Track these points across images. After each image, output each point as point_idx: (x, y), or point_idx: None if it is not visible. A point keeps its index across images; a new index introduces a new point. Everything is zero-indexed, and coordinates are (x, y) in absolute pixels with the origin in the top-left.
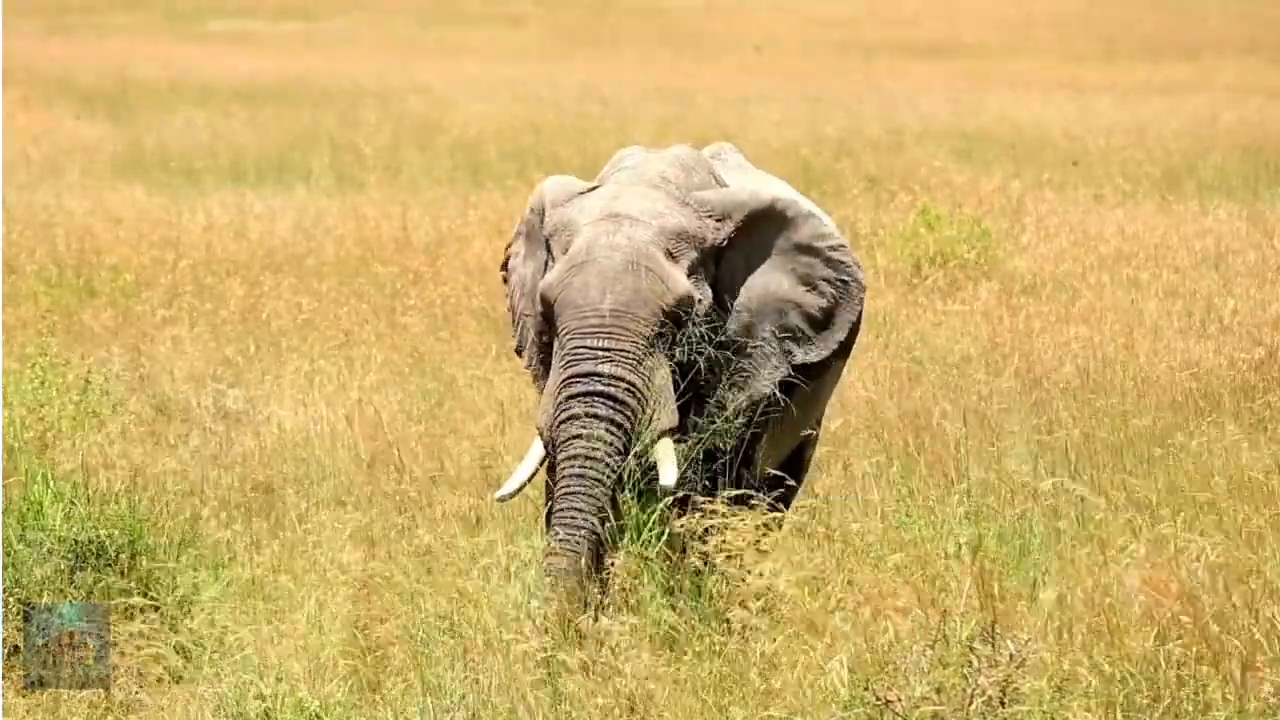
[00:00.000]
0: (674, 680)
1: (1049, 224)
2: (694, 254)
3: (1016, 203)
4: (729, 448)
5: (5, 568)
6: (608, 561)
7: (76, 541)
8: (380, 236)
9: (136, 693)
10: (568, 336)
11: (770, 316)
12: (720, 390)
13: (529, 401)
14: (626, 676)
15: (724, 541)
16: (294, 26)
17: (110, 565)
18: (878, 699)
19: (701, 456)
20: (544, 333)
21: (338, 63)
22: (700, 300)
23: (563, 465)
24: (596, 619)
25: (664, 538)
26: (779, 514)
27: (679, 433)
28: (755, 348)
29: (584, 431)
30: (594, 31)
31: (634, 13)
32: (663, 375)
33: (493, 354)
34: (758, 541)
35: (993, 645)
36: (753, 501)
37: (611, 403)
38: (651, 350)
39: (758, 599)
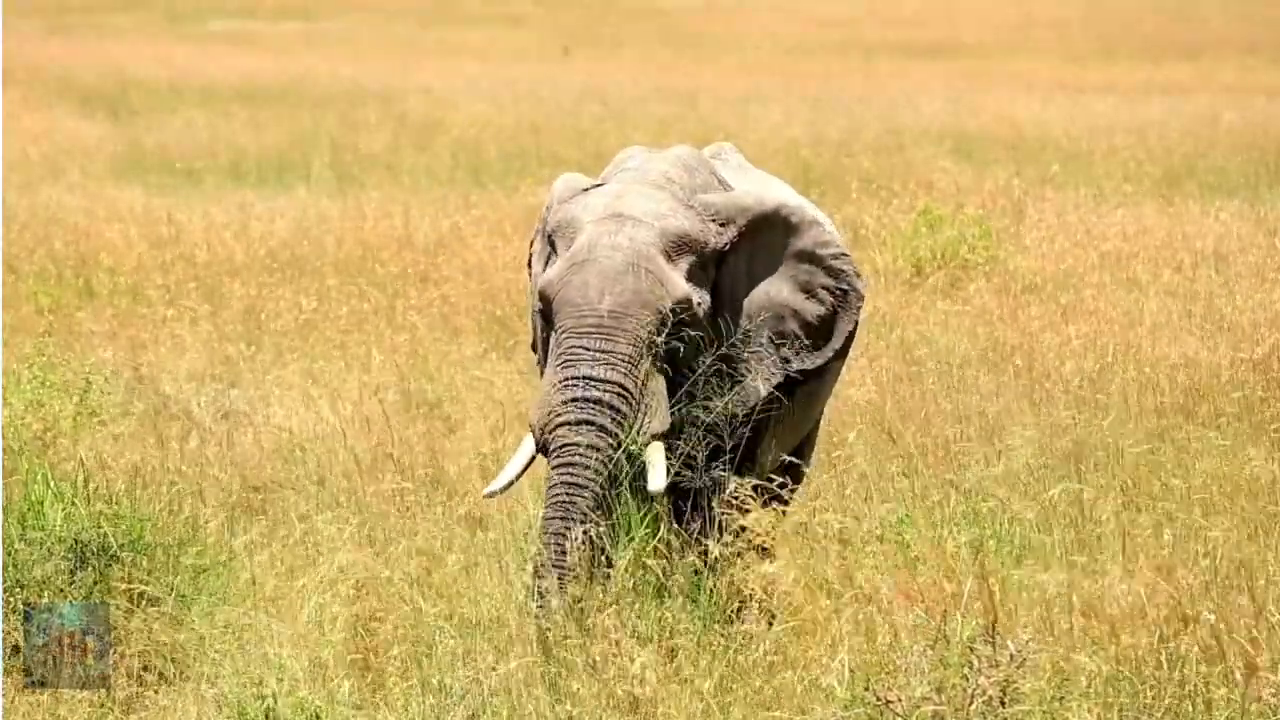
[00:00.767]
0: (674, 680)
1: (1050, 224)
2: (695, 257)
3: (1017, 203)
4: (728, 448)
5: (6, 567)
6: (607, 562)
7: (77, 541)
8: (380, 236)
9: (137, 692)
10: (565, 335)
11: (768, 322)
12: (718, 393)
13: (529, 402)
14: (627, 676)
15: (726, 542)
16: (294, 27)
17: (111, 565)
18: (878, 699)
19: (702, 459)
20: (545, 329)
21: (338, 63)
22: (699, 304)
23: (554, 473)
24: (596, 619)
25: (663, 538)
26: (779, 514)
27: (672, 436)
28: (752, 353)
29: (576, 439)
30: (594, 32)
31: (634, 13)
32: (656, 378)
33: (492, 354)
34: (758, 542)
35: (993, 645)
36: (752, 502)
37: (604, 408)
38: (647, 353)
39: (759, 601)
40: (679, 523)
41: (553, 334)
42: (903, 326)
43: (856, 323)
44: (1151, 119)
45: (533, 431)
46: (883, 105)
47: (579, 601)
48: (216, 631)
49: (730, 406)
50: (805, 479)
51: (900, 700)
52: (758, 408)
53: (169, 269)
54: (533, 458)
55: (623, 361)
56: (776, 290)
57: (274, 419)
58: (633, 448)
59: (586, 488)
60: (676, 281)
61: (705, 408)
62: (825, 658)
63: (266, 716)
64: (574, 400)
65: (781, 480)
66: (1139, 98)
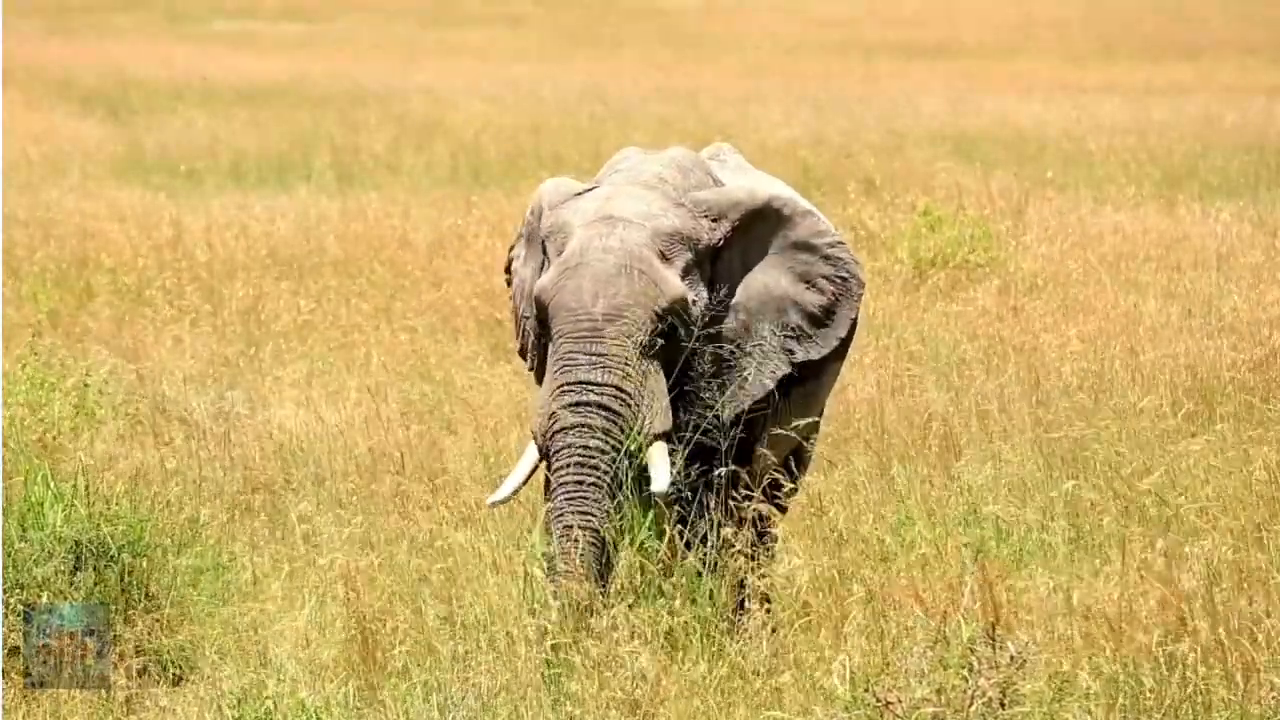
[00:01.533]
0: (675, 680)
1: (1050, 224)
2: (689, 255)
3: (1017, 203)
4: (725, 449)
5: (6, 568)
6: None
7: (77, 542)
8: (380, 237)
9: (137, 693)
10: (561, 340)
11: (769, 315)
12: (720, 390)
13: (528, 403)
14: (628, 676)
15: (726, 541)
16: (295, 27)
17: (110, 566)
18: (878, 700)
19: (697, 458)
20: (540, 335)
21: (338, 64)
22: (695, 301)
23: (559, 476)
24: (599, 619)
25: (664, 538)
26: (778, 514)
27: (672, 435)
28: (755, 346)
29: (578, 442)
30: (594, 32)
31: (634, 13)
32: (656, 378)
33: (492, 355)
34: (758, 542)
35: (993, 647)
36: (750, 502)
37: (604, 412)
38: (644, 353)
39: (761, 601)
40: (679, 523)
41: (549, 339)
42: (903, 327)
43: (858, 313)
44: (1151, 119)
45: (535, 439)
46: (883, 105)
47: (590, 598)
48: (216, 632)
49: (735, 401)
50: (804, 479)
51: (900, 701)
52: (759, 403)
53: (169, 269)
54: (536, 465)
55: (619, 364)
56: (775, 282)
57: (274, 420)
58: (634, 448)
59: (591, 487)
60: (671, 281)
61: (710, 405)
62: (826, 658)
63: (266, 717)
64: (572, 405)
65: (780, 480)
66: (1139, 98)
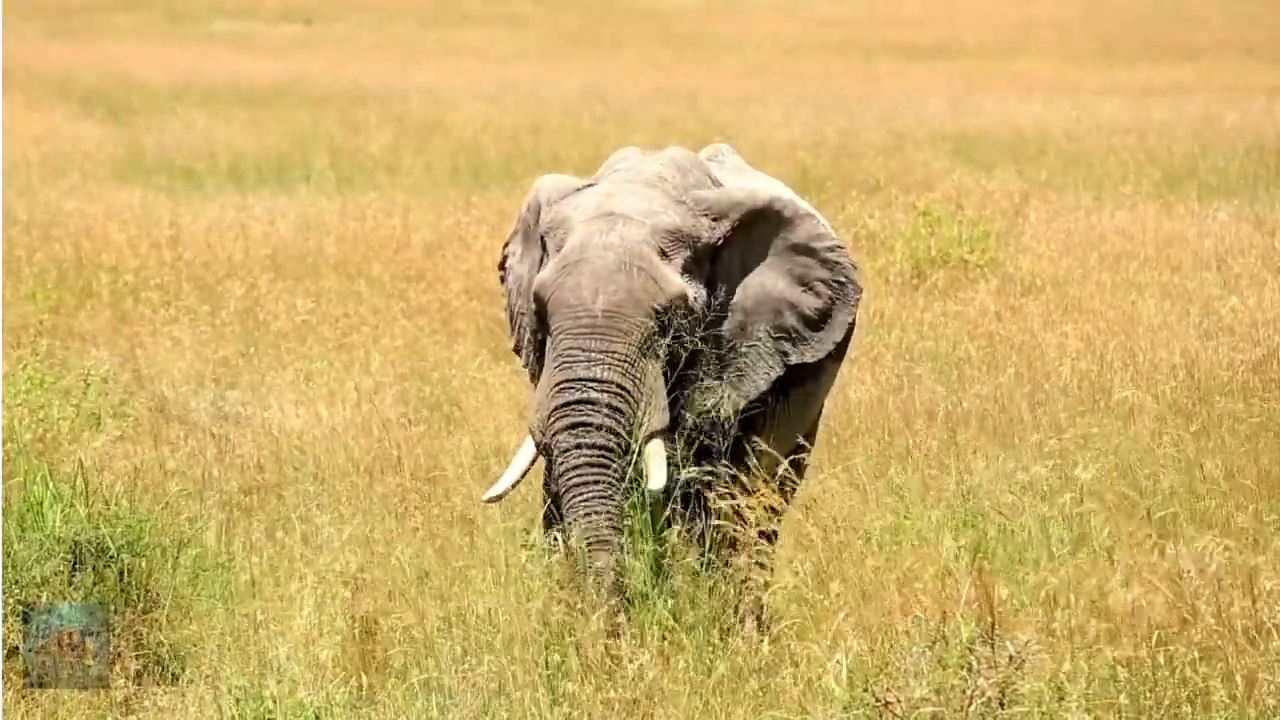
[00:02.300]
0: (674, 680)
1: (1050, 225)
2: (688, 253)
3: (1017, 204)
4: (723, 448)
5: (5, 568)
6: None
7: (76, 541)
8: (380, 237)
9: (136, 693)
10: (560, 337)
11: (766, 316)
12: (714, 388)
13: (527, 402)
14: (627, 676)
15: (726, 541)
16: (294, 28)
17: (109, 566)
18: (877, 700)
19: (693, 456)
20: (538, 331)
21: (338, 64)
22: (694, 299)
23: (566, 480)
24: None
25: (663, 538)
26: (776, 513)
27: (670, 432)
28: (750, 347)
29: (577, 442)
30: (595, 32)
31: (634, 13)
32: (654, 375)
33: (491, 355)
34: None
35: (992, 647)
36: (747, 502)
37: (605, 410)
38: (644, 350)
39: (757, 602)
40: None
41: (548, 336)
42: (902, 327)
43: (854, 317)
44: (1151, 119)
45: (532, 435)
46: (883, 106)
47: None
48: (216, 632)
49: (729, 401)
50: (804, 480)
51: (899, 701)
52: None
53: (169, 270)
54: (533, 461)
55: (619, 361)
56: (772, 284)
57: (273, 420)
58: (633, 445)
59: (601, 488)
60: (671, 278)
61: (705, 402)
62: (825, 658)
63: (266, 717)
64: (571, 404)
65: (780, 480)
66: (1139, 98)
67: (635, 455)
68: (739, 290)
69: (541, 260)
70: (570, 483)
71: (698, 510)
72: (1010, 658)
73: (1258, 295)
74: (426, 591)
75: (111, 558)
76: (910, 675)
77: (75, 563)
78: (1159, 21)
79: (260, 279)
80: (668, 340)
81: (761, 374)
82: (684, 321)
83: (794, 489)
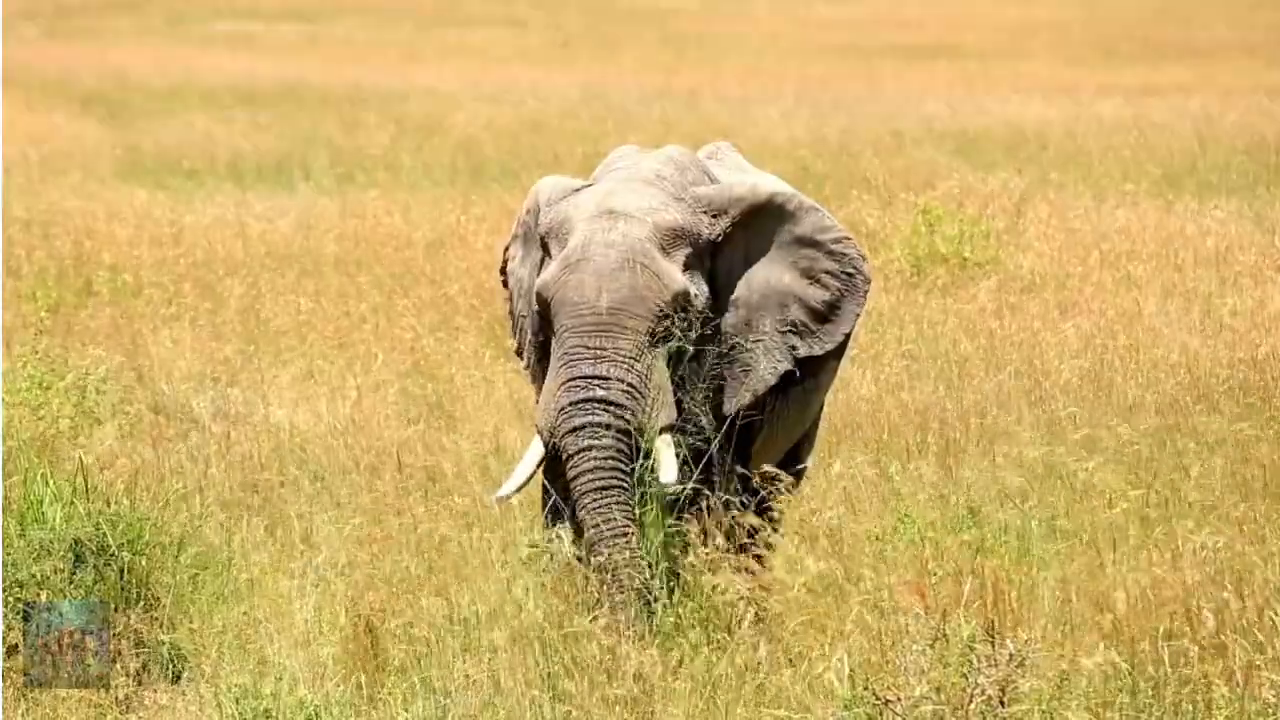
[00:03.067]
0: (675, 678)
1: (1050, 224)
2: (689, 249)
3: (1018, 203)
4: (720, 446)
5: (5, 566)
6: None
7: (76, 540)
8: (380, 236)
9: (136, 692)
10: (565, 335)
11: (771, 310)
12: (721, 385)
13: (528, 402)
14: (628, 675)
15: (725, 540)
16: (294, 29)
17: (110, 565)
18: (877, 698)
19: (693, 454)
20: (540, 331)
21: (338, 64)
22: (696, 296)
23: (579, 484)
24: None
25: (665, 536)
26: (776, 513)
27: (676, 428)
28: (756, 342)
29: (587, 443)
30: (594, 32)
31: (634, 13)
32: (660, 371)
33: (492, 354)
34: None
35: (992, 645)
36: (746, 500)
37: (613, 408)
38: (649, 347)
39: (758, 604)
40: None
41: (552, 336)
42: (902, 326)
43: (863, 307)
44: (1151, 119)
45: (540, 434)
46: (884, 106)
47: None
48: (216, 631)
49: (736, 396)
50: (804, 479)
51: (900, 700)
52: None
53: (169, 268)
54: (542, 460)
55: (625, 358)
56: (777, 278)
57: (273, 418)
58: (642, 442)
59: (614, 491)
60: (673, 275)
61: (712, 398)
62: (826, 656)
63: (266, 716)
64: (579, 402)
65: (779, 480)
66: (1139, 98)
67: (645, 451)
68: (742, 285)
69: (543, 262)
70: (584, 487)
71: (699, 510)
72: (1011, 656)
73: (1258, 293)
74: (426, 591)
75: (112, 556)
76: (911, 673)
77: (75, 561)
78: (1159, 21)
79: (260, 277)
80: (670, 337)
81: (768, 368)
82: (686, 318)
83: (794, 488)
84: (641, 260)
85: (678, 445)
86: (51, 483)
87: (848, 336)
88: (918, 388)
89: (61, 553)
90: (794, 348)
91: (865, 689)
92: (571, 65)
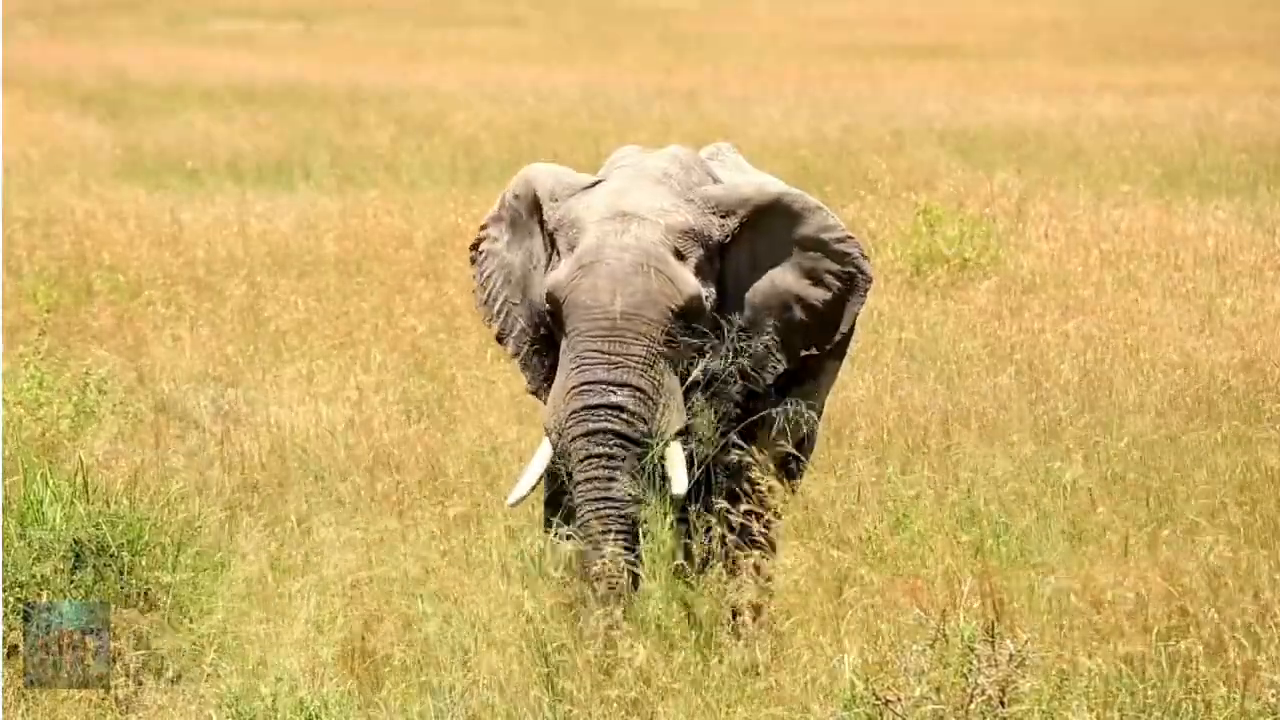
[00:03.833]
0: (675, 678)
1: (1050, 224)
2: (701, 251)
3: (1018, 203)
4: (724, 446)
5: (5, 567)
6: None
7: (76, 540)
8: (380, 236)
9: (136, 692)
10: (578, 339)
11: (775, 311)
12: (726, 385)
13: (529, 401)
14: (627, 675)
15: (726, 539)
16: (294, 28)
17: (110, 565)
18: (877, 698)
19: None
20: (539, 326)
21: (338, 64)
22: (708, 297)
23: (583, 490)
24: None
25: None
26: (776, 513)
27: (686, 432)
28: (759, 341)
29: (597, 451)
30: (594, 32)
31: (634, 13)
32: (670, 376)
33: (492, 354)
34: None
35: (992, 645)
36: (748, 500)
37: (623, 414)
38: (661, 352)
39: (759, 604)
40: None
41: (563, 336)
42: (902, 326)
43: (863, 306)
44: (1151, 119)
45: (548, 435)
46: (883, 106)
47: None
48: (216, 631)
49: (739, 394)
50: (804, 479)
51: (900, 700)
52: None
53: (169, 268)
54: (550, 461)
55: (637, 363)
56: (781, 278)
57: (273, 418)
58: (653, 448)
59: (616, 500)
60: (686, 278)
61: (717, 398)
62: (826, 656)
63: (265, 717)
64: (590, 408)
65: (778, 481)
66: (1139, 97)
67: (657, 458)
68: (748, 285)
69: (550, 259)
70: (589, 494)
71: (700, 510)
72: (1011, 656)
73: (1258, 293)
74: (427, 591)
75: (112, 556)
76: (911, 674)
77: (75, 561)
78: (1159, 21)
79: (261, 277)
80: (683, 341)
81: (770, 368)
82: (697, 321)
83: (794, 489)
84: (655, 264)
85: (686, 453)
86: (51, 483)
87: (848, 336)
88: (918, 388)
89: (61, 553)
90: (795, 348)
91: (865, 689)
92: (571, 65)
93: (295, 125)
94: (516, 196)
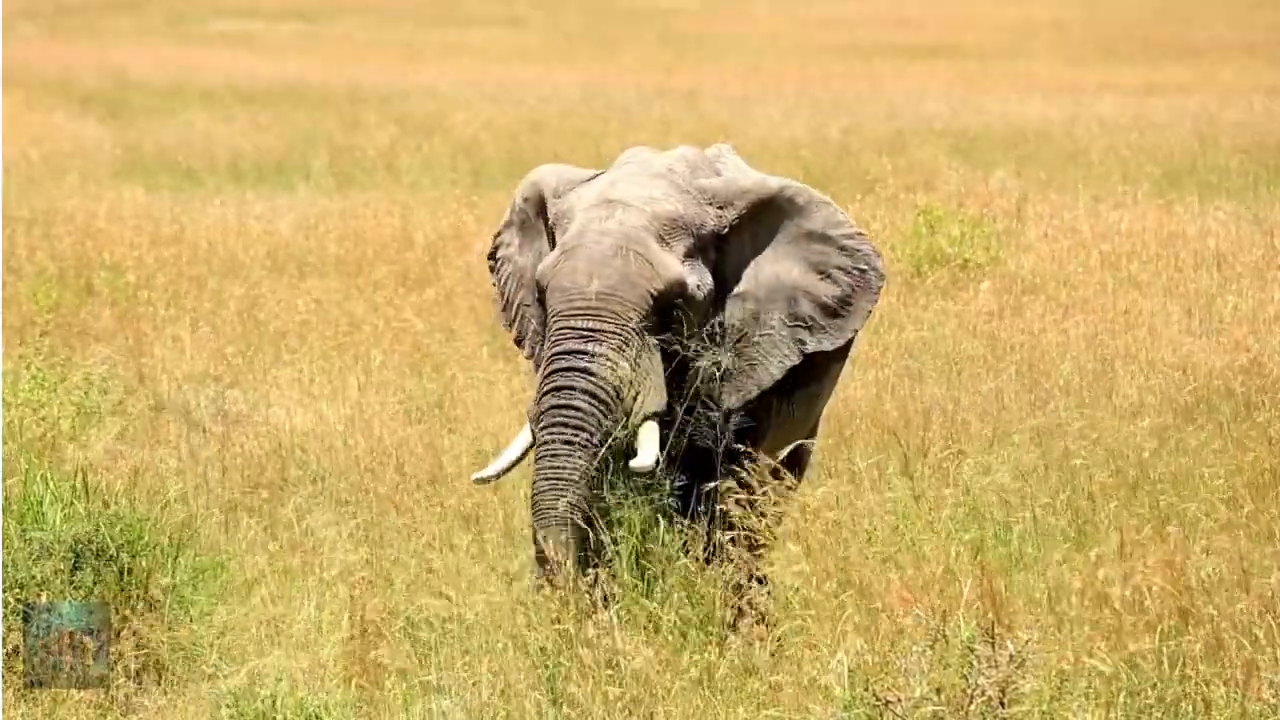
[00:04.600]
0: (675, 678)
1: (1050, 224)
2: (690, 240)
3: (1018, 203)
4: (729, 441)
5: (5, 567)
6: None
7: (76, 541)
8: (380, 236)
9: (136, 692)
10: (554, 319)
11: (779, 304)
12: (729, 378)
13: (529, 400)
14: (627, 675)
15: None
16: (294, 28)
17: (109, 565)
18: (877, 699)
19: (700, 455)
20: (541, 319)
21: (338, 64)
22: (696, 287)
23: (541, 438)
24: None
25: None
26: (776, 513)
27: (667, 417)
28: (764, 336)
29: (560, 403)
30: (594, 32)
31: (634, 13)
32: (651, 358)
33: (491, 354)
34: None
35: (993, 645)
36: (753, 498)
37: (591, 377)
38: (639, 332)
39: (758, 604)
40: (685, 517)
41: (548, 322)
42: (902, 326)
43: (875, 303)
44: (1151, 119)
45: (530, 423)
46: (884, 106)
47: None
48: (216, 631)
49: (742, 391)
50: (803, 479)
51: (900, 700)
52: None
53: (169, 269)
54: (529, 447)
55: (609, 338)
56: (786, 272)
57: (273, 419)
58: (625, 426)
59: (575, 447)
60: (668, 263)
61: (717, 391)
62: (825, 657)
63: (266, 716)
64: (560, 370)
65: (778, 481)
66: (1139, 98)
67: (627, 433)
68: (750, 279)
69: (544, 253)
70: (545, 437)
71: (699, 509)
72: (1011, 656)
73: (1258, 294)
74: (427, 591)
75: (111, 557)
76: (910, 674)
77: (75, 562)
78: (1159, 21)
79: (261, 278)
80: (668, 327)
81: (776, 363)
82: (685, 309)
83: (795, 489)
84: (635, 248)
85: (666, 437)
86: (51, 483)
87: (852, 337)
88: (918, 388)
89: (61, 554)
90: (802, 342)
91: (865, 689)
92: (571, 65)
93: (295, 125)
94: (525, 199)
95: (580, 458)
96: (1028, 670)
